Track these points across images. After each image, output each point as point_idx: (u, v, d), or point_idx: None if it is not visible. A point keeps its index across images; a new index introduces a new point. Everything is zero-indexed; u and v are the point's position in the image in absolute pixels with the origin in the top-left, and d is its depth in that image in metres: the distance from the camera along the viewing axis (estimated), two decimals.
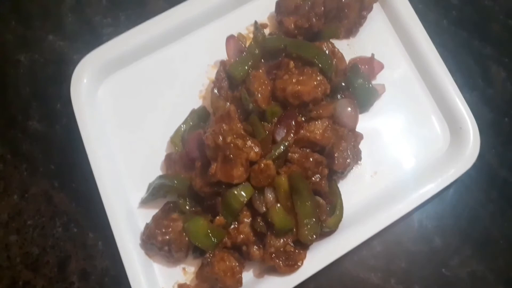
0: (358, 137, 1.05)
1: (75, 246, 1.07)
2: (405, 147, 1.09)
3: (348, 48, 1.16)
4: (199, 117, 1.06)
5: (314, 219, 0.92)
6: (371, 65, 1.11)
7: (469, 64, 1.22)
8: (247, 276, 0.99)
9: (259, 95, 0.98)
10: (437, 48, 1.11)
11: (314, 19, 1.10)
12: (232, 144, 0.91)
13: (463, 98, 1.09)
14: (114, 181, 1.02)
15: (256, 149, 0.93)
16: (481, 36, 1.25)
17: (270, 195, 0.93)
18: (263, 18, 1.18)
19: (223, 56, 1.07)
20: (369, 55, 1.12)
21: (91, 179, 1.01)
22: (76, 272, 1.06)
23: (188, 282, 0.99)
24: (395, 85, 1.13)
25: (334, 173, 0.99)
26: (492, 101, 1.19)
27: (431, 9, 1.26)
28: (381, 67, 1.13)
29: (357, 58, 1.13)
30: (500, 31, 1.26)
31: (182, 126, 1.05)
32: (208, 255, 0.94)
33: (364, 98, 1.09)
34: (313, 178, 0.96)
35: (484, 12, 1.27)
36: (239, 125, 0.95)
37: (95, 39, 1.14)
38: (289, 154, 0.97)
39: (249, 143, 0.93)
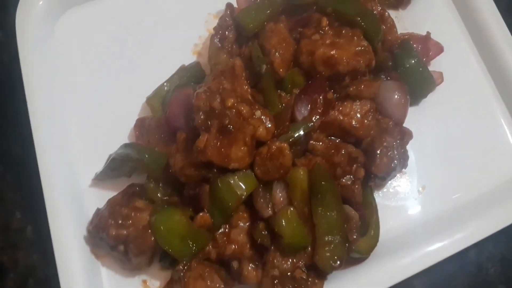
0: (406, 134, 0.94)
1: None
2: (466, 160, 1.00)
3: (397, 22, 1.04)
4: (190, 76, 0.96)
5: (339, 237, 0.81)
6: (426, 46, 1.02)
7: None
8: None
9: (277, 55, 0.87)
10: None
11: None
12: (234, 110, 0.79)
13: None
14: (60, 147, 0.92)
15: (268, 124, 0.81)
16: None
17: (280, 194, 0.82)
18: None
19: (232, 3, 0.98)
20: (423, 33, 1.02)
21: (29, 140, 0.91)
22: None
23: None
24: (455, 76, 1.03)
25: (372, 177, 0.89)
26: None
27: None
28: (440, 50, 1.03)
29: (408, 34, 1.03)
30: None
31: (165, 85, 0.95)
32: (181, 267, 0.83)
33: (416, 86, 0.98)
34: (343, 180, 0.85)
35: None
36: (246, 87, 0.83)
37: None
38: (312, 141, 0.87)
39: (258, 113, 0.81)
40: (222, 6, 0.97)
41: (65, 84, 0.98)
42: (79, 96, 0.99)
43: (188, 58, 1.00)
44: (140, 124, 0.93)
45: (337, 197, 0.82)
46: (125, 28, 1.03)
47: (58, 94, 0.96)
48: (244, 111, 0.78)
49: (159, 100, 0.93)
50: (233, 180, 0.79)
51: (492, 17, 1.03)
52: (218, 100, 0.78)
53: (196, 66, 0.96)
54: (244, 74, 0.85)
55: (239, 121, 0.78)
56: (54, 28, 1.01)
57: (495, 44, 1.02)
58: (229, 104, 0.78)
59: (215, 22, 0.96)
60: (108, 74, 1.00)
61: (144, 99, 0.96)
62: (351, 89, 0.88)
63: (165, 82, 0.95)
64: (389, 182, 0.95)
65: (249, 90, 0.83)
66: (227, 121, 0.77)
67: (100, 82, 1.00)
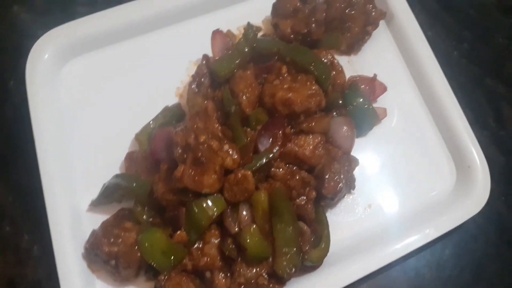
0: (353, 162, 1.00)
1: (5, 248, 1.00)
2: (405, 181, 1.06)
3: (349, 65, 1.14)
4: (172, 116, 1.02)
5: (295, 249, 0.86)
6: (372, 86, 1.09)
7: (480, 101, 1.21)
8: None
9: (244, 97, 0.95)
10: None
11: (313, 26, 1.07)
12: (206, 145, 0.85)
13: (472, 134, 1.07)
14: (63, 177, 0.96)
15: (234, 155, 0.88)
16: (493, 73, 1.24)
17: (245, 213, 0.88)
18: (257, 20, 1.15)
19: (208, 53, 1.03)
20: (370, 75, 1.10)
21: (36, 172, 0.95)
22: (0, 279, 0.98)
23: None
24: (397, 111, 1.11)
25: (323, 198, 0.94)
26: (504, 145, 1.16)
27: (441, 38, 1.26)
28: (384, 89, 1.11)
29: (358, 76, 1.11)
30: None
31: (151, 123, 1.01)
32: (162, 277, 0.86)
33: (363, 121, 1.05)
34: (297, 200, 0.91)
35: (498, 50, 1.27)
36: (216, 125, 0.90)
37: (67, 17, 1.07)
38: (273, 169, 0.92)
39: (226, 147, 0.88)
40: (200, 55, 1.02)
41: (67, 123, 1.02)
42: (79, 133, 1.02)
43: (172, 100, 1.05)
44: (129, 157, 0.97)
45: (293, 215, 0.87)
46: (119, 74, 1.07)
47: (61, 131, 1.00)
48: (214, 145, 0.84)
49: (146, 136, 0.98)
50: (205, 203, 0.84)
51: (430, 61, 1.11)
52: (193, 137, 0.84)
53: (177, 107, 1.02)
54: (215, 115, 0.90)
55: (210, 154, 0.84)
56: (58, 75, 1.05)
57: (432, 85, 1.09)
58: (202, 140, 0.84)
59: (194, 69, 1.02)
60: (103, 113, 1.04)
61: (134, 135, 1.00)
62: (304, 125, 0.95)
63: (151, 120, 1.00)
64: (340, 201, 1.00)
65: (219, 127, 0.89)
66: (200, 154, 0.83)
67: (97, 121, 1.03)
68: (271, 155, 0.90)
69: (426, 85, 1.11)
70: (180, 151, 0.85)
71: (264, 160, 0.89)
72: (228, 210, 0.87)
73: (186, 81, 1.08)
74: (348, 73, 1.10)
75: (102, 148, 1.02)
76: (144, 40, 1.11)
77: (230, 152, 0.87)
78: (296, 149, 0.92)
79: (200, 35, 1.08)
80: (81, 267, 0.91)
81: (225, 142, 0.88)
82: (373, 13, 1.12)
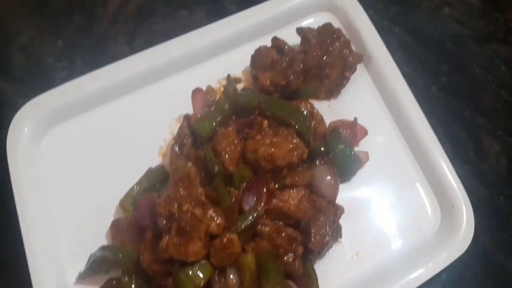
0: (338, 210, 1.00)
1: None
2: (391, 225, 1.05)
3: (329, 110, 1.15)
4: (156, 178, 1.01)
5: None
6: (353, 130, 1.10)
7: (460, 135, 1.21)
8: None
9: (227, 156, 0.95)
10: (425, 116, 1.11)
11: (292, 77, 1.08)
12: (189, 214, 0.85)
13: (455, 173, 1.06)
14: (48, 250, 0.95)
15: (218, 220, 0.87)
16: (472, 105, 1.25)
17: (233, 277, 0.87)
18: (237, 71, 1.17)
19: (190, 110, 1.04)
20: (351, 118, 1.10)
21: (20, 246, 0.94)
22: None
23: None
24: (379, 153, 1.11)
25: (310, 252, 0.94)
26: (486, 177, 1.17)
27: (419, 74, 1.27)
28: (365, 133, 1.11)
29: (339, 121, 1.12)
30: (493, 102, 1.26)
31: (135, 187, 1.00)
32: None
33: (346, 167, 1.05)
34: (285, 258, 0.91)
35: (475, 81, 1.28)
36: (200, 189, 0.89)
37: (46, 84, 1.09)
38: (259, 226, 0.92)
39: (210, 212, 0.88)
40: (182, 111, 1.04)
41: (50, 195, 1.01)
42: (63, 204, 1.01)
43: (155, 160, 1.05)
44: (115, 225, 0.96)
45: (281, 274, 0.87)
46: (100, 138, 1.06)
47: (44, 205, 0.99)
48: (198, 213, 0.84)
49: (130, 202, 0.98)
50: (191, 271, 0.83)
51: (408, 101, 1.11)
52: (176, 206, 0.84)
53: (161, 169, 1.02)
54: (198, 179, 0.89)
55: (194, 222, 0.83)
56: (39, 147, 1.05)
57: (411, 125, 1.10)
58: (185, 209, 0.84)
59: (177, 126, 1.03)
60: (87, 181, 1.03)
61: (118, 201, 0.99)
62: (288, 179, 0.95)
63: (135, 184, 0.99)
64: (327, 252, 0.98)
65: (203, 192, 0.88)
66: (183, 224, 0.83)
67: (81, 189, 1.02)
68: (256, 214, 0.90)
69: (406, 125, 1.12)
70: (164, 221, 0.85)
71: (250, 220, 0.89)
72: (216, 275, 0.87)
73: (169, 139, 1.08)
74: (329, 118, 1.11)
75: (87, 217, 1.01)
76: (124, 101, 1.11)
77: (215, 217, 0.87)
78: (281, 204, 0.93)
79: (180, 92, 1.08)
80: None
81: (209, 207, 0.88)
82: (350, 58, 1.13)
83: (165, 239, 0.83)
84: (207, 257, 0.87)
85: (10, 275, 1.01)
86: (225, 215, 0.89)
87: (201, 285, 0.85)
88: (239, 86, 1.13)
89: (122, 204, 0.99)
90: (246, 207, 0.92)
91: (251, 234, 0.91)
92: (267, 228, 0.92)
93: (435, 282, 1.04)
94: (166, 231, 0.85)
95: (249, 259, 0.87)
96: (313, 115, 1.05)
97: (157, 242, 0.85)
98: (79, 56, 1.20)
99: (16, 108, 1.04)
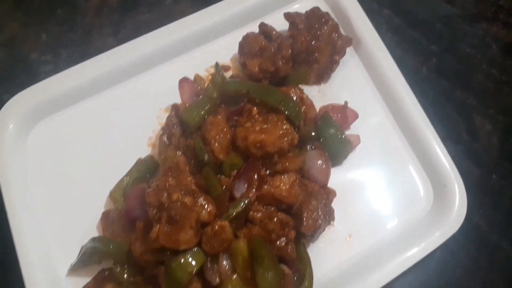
0: (330, 194, 1.01)
1: None
2: (384, 206, 1.06)
3: (319, 95, 1.15)
4: (146, 169, 1.01)
5: None
6: (344, 114, 1.11)
7: (452, 115, 1.22)
8: None
9: (216, 144, 0.95)
10: (416, 97, 1.11)
11: (280, 62, 1.08)
12: (179, 203, 0.84)
13: (447, 153, 1.07)
14: (38, 243, 0.95)
15: (209, 208, 0.87)
16: (463, 85, 1.25)
17: (225, 263, 0.87)
18: (225, 59, 1.17)
19: (179, 100, 1.04)
20: (342, 102, 1.11)
21: (9, 241, 0.93)
22: None
23: None
24: (371, 136, 1.11)
25: (303, 236, 0.94)
26: (478, 157, 1.18)
27: (409, 56, 1.28)
28: (355, 116, 1.12)
29: (329, 105, 1.12)
30: (484, 81, 1.27)
31: (125, 178, 1.00)
32: None
33: (337, 150, 1.06)
34: (277, 242, 0.91)
35: (466, 61, 1.29)
36: (189, 178, 0.90)
37: (31, 79, 1.08)
38: (251, 213, 0.92)
39: (200, 200, 0.87)
40: (170, 101, 1.03)
41: (39, 189, 1.01)
42: (52, 198, 1.01)
43: (144, 151, 1.05)
44: (105, 217, 0.97)
45: (274, 259, 0.87)
46: (88, 131, 1.06)
47: (33, 199, 0.99)
48: (188, 202, 0.84)
49: (121, 193, 0.97)
50: (183, 259, 0.83)
51: (399, 82, 1.11)
52: (165, 195, 0.84)
53: (150, 159, 1.01)
54: (187, 168, 0.90)
55: (184, 211, 0.83)
56: (26, 142, 1.04)
57: (402, 106, 1.10)
58: (174, 198, 0.83)
59: (165, 116, 1.01)
60: (76, 174, 1.03)
61: (108, 193, 0.99)
62: (279, 165, 0.94)
63: (125, 176, 0.99)
64: (320, 236, 0.99)
65: (192, 180, 0.89)
66: (174, 213, 0.82)
67: (70, 183, 1.02)
68: (247, 200, 0.90)
69: (396, 107, 1.12)
70: (154, 211, 0.85)
71: (241, 206, 0.90)
72: (208, 262, 0.87)
73: (157, 130, 1.08)
74: (320, 103, 1.11)
75: (77, 210, 1.00)
76: (111, 93, 1.10)
77: (205, 205, 0.87)
78: (273, 190, 0.93)
79: (168, 81, 1.08)
80: None
81: (200, 195, 0.87)
82: (339, 42, 1.13)
83: (156, 229, 0.83)
84: (199, 245, 0.86)
85: (1, 271, 1.02)
86: (216, 203, 0.89)
87: (193, 272, 0.84)
88: (228, 74, 1.13)
89: (112, 196, 0.99)
90: (237, 194, 0.92)
91: (243, 220, 0.92)
92: (259, 214, 0.92)
93: (429, 261, 1.05)
94: (156, 221, 0.84)
95: (241, 245, 0.87)
96: (303, 100, 1.05)
97: (148, 232, 0.85)
98: (63, 49, 1.20)
99: (0, 104, 1.04)
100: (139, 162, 1.02)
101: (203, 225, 0.87)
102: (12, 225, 0.94)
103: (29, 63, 1.18)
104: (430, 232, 1.01)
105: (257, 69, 1.08)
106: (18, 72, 1.17)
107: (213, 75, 1.06)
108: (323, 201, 0.98)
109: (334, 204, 1.01)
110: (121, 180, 1.00)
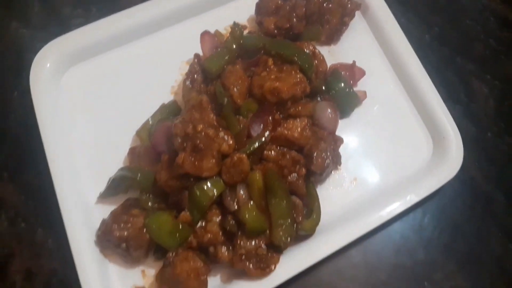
0: (338, 140, 1.07)
1: (21, 243, 1.04)
2: (387, 155, 1.12)
3: (330, 55, 1.20)
4: (169, 112, 1.06)
5: (289, 220, 0.92)
6: (352, 71, 1.16)
7: (452, 79, 1.29)
8: (214, 281, 0.97)
9: (235, 90, 1.00)
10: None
11: (295, 20, 1.15)
12: (203, 133, 0.90)
13: (446, 108, 1.14)
14: (71, 174, 1.01)
15: (230, 141, 0.93)
16: (463, 53, 1.32)
17: (242, 192, 0.93)
18: (242, 19, 1.23)
19: (199, 53, 1.09)
20: (350, 62, 1.16)
21: (45, 172, 0.99)
22: (19, 272, 1.02)
23: (146, 287, 0.97)
24: (376, 92, 1.17)
25: (312, 174, 1.00)
26: (475, 116, 1.25)
27: (414, 24, 1.34)
28: (362, 73, 1.17)
29: (338, 64, 1.17)
30: (482, 49, 1.34)
31: (150, 119, 1.05)
32: (170, 255, 0.91)
33: (345, 103, 1.12)
34: (289, 177, 0.97)
35: (466, 31, 1.36)
36: (211, 115, 0.95)
37: (63, 30, 1.12)
38: (265, 152, 0.98)
39: (221, 134, 0.93)
40: (191, 55, 1.08)
41: (72, 125, 1.07)
42: (83, 134, 1.07)
43: (167, 98, 1.10)
44: (132, 152, 1.02)
45: (286, 191, 0.93)
46: (116, 78, 1.12)
47: (66, 134, 1.05)
48: (211, 133, 0.90)
49: (146, 132, 1.03)
50: (205, 185, 0.90)
51: (404, 45, 1.18)
52: (191, 127, 0.90)
53: (173, 104, 1.07)
54: (210, 106, 0.95)
55: (208, 141, 0.89)
56: (60, 83, 1.11)
57: (407, 67, 1.16)
58: (199, 129, 0.89)
59: (187, 67, 1.07)
60: (104, 115, 1.09)
61: (134, 132, 1.06)
62: (292, 110, 1.01)
63: (150, 117, 1.05)
64: (328, 177, 1.06)
65: (214, 117, 0.94)
66: (198, 142, 0.88)
67: (99, 122, 1.09)
68: (263, 139, 0.96)
69: (401, 68, 1.18)
70: (179, 140, 0.91)
71: (257, 144, 0.95)
72: (227, 190, 0.93)
73: (180, 80, 1.13)
74: (329, 62, 1.16)
75: (105, 146, 1.07)
76: (137, 45, 1.16)
77: (226, 138, 0.92)
78: (286, 132, 0.98)
79: (190, 37, 1.14)
80: (94, 253, 0.96)
81: (220, 129, 0.93)
82: (349, 5, 1.20)
83: (181, 156, 0.89)
84: (219, 174, 0.92)
85: (37, 198, 1.08)
86: (235, 139, 0.94)
87: (214, 197, 0.90)
88: (245, 33, 1.18)
89: (139, 134, 1.05)
90: (254, 133, 0.98)
91: (258, 158, 0.97)
92: (273, 153, 0.98)
93: (429, 205, 1.12)
94: (182, 149, 0.90)
95: (257, 176, 0.92)
96: (315, 54, 1.10)
97: (172, 163, 0.91)
98: (93, 5, 1.26)
99: (35, 52, 1.09)
100: (163, 106, 1.07)
101: (223, 157, 0.93)
102: (49, 157, 1.00)
103: (61, 16, 1.25)
104: (429, 178, 1.07)
105: (272, 26, 1.14)
106: (51, 24, 1.24)
107: (232, 28, 1.12)
108: (331, 146, 1.04)
109: (341, 150, 1.08)
110: (147, 121, 1.05)
